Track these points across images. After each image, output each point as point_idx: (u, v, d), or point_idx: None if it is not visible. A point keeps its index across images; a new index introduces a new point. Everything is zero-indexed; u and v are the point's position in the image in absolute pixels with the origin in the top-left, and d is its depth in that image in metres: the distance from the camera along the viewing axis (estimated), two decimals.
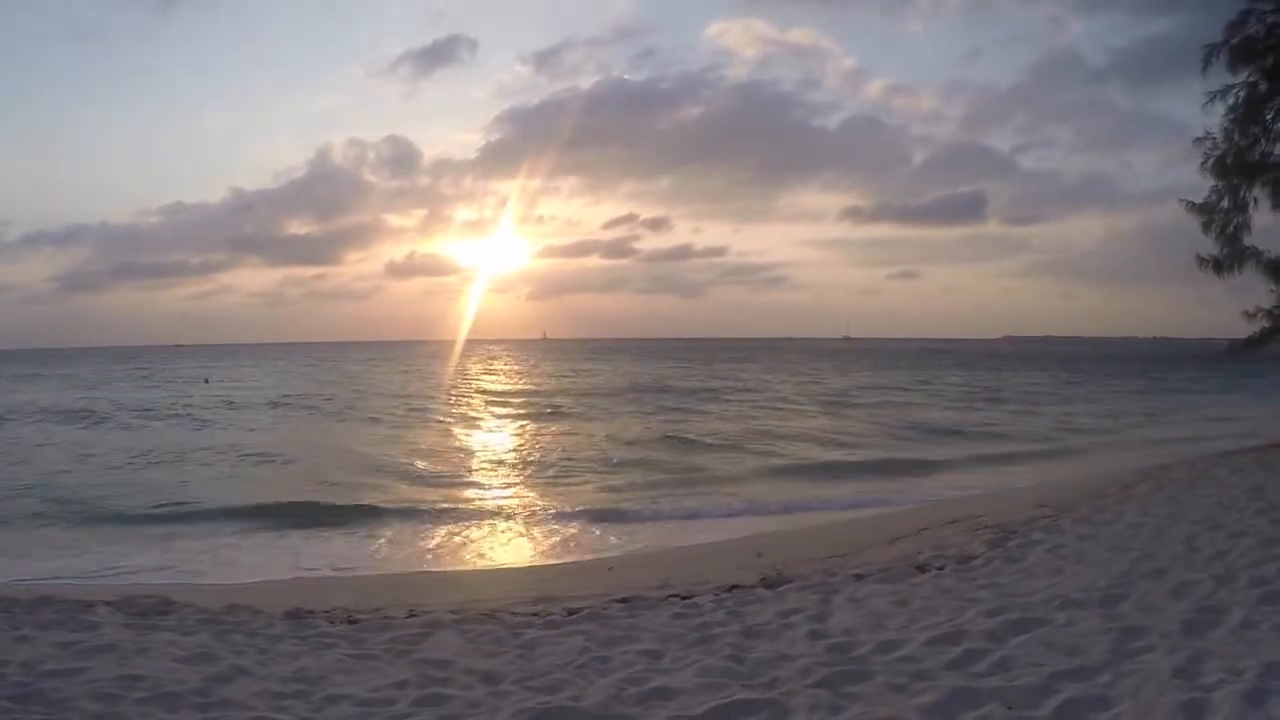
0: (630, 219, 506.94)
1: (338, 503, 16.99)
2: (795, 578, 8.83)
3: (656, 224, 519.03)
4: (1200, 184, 18.70)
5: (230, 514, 16.14)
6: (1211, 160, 18.11)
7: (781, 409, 37.60)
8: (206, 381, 66.27)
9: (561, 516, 15.93)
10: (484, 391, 52.37)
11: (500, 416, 36.62)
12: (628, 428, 29.97)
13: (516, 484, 19.89)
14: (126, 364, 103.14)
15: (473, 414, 37.62)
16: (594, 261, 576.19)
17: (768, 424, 30.86)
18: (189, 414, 37.55)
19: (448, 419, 35.59)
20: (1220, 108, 17.89)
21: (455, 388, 56.14)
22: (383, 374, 75.63)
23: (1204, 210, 18.58)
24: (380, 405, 41.79)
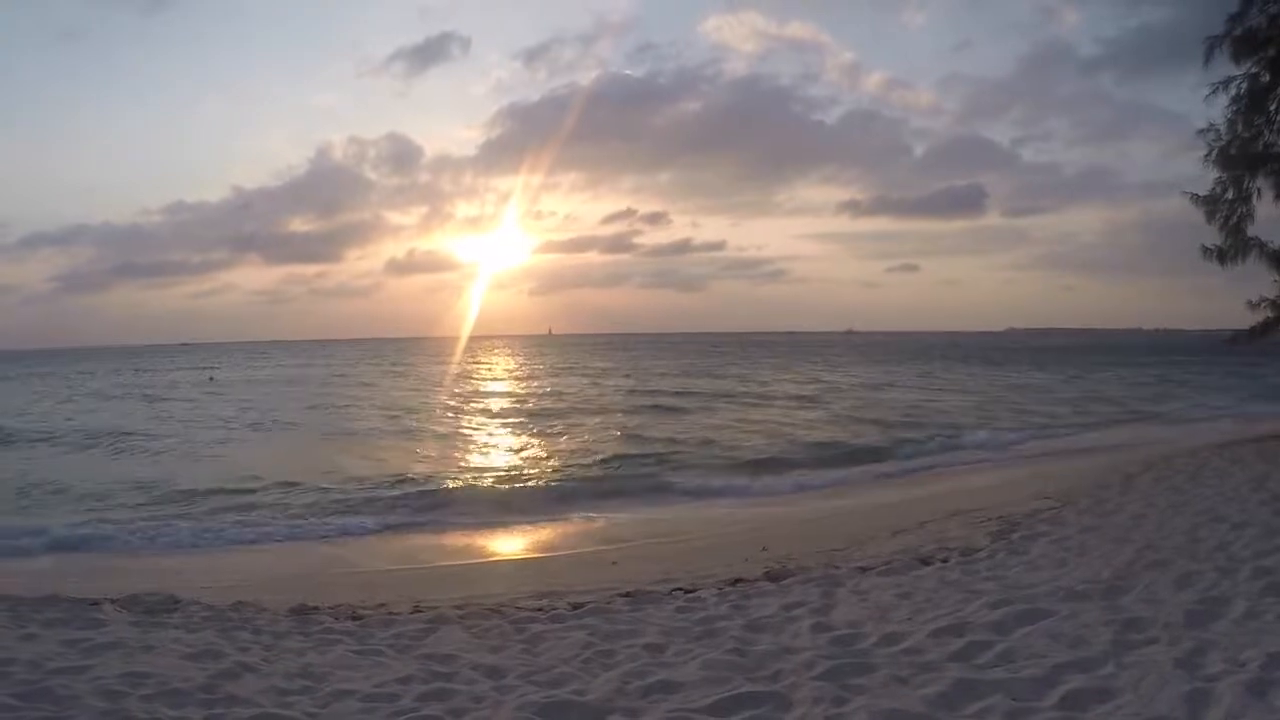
0: (629, 214, 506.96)
1: None
2: (799, 571, 8.84)
3: (655, 219, 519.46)
4: (1203, 175, 18.75)
5: None
6: (1215, 151, 18.13)
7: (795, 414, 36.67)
8: (211, 379, 66.43)
9: (561, 514, 15.96)
10: (479, 394, 49.51)
11: (491, 422, 34.08)
12: (626, 430, 29.39)
13: (508, 484, 19.80)
14: (112, 364, 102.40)
15: (460, 423, 34.13)
16: (594, 257, 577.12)
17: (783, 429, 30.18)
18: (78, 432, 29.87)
19: (427, 426, 32.03)
20: (1223, 99, 17.92)
21: (449, 388, 54.18)
22: (372, 373, 73.87)
23: (1208, 202, 18.60)
24: (352, 412, 37.76)
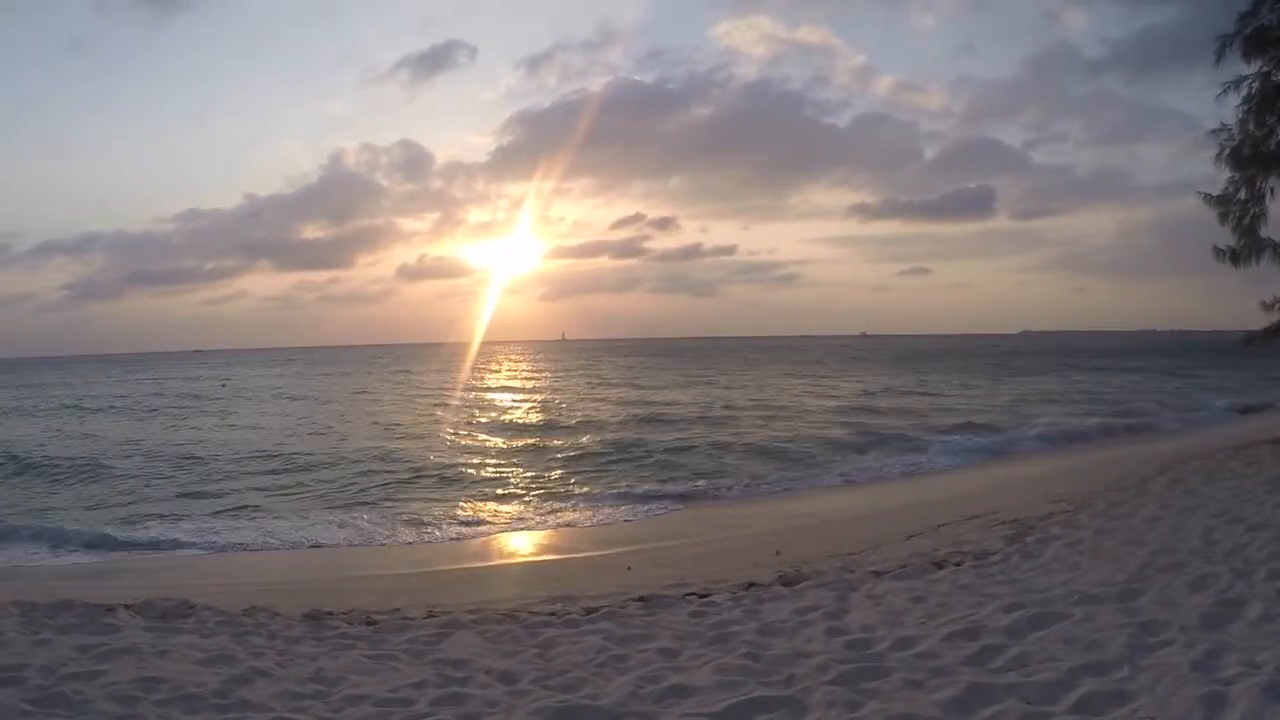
0: (638, 219, 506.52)
1: None
2: (813, 575, 8.83)
3: (664, 223, 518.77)
4: (1216, 175, 18.64)
5: None
6: (1227, 151, 18.02)
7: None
8: (224, 385, 66.87)
9: (572, 518, 16.01)
10: (487, 404, 46.54)
11: (499, 428, 33.13)
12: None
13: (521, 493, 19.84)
14: (117, 372, 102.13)
15: (466, 429, 33.28)
16: (605, 262, 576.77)
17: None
18: None
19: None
20: (1234, 98, 17.82)
21: (459, 394, 52.78)
22: (376, 382, 71.68)
23: (1221, 202, 18.48)
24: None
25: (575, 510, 16.73)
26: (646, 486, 18.98)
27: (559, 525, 15.58)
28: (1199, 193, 18.98)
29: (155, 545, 14.28)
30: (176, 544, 14.26)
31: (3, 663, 5.86)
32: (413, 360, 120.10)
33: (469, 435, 30.84)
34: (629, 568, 10.88)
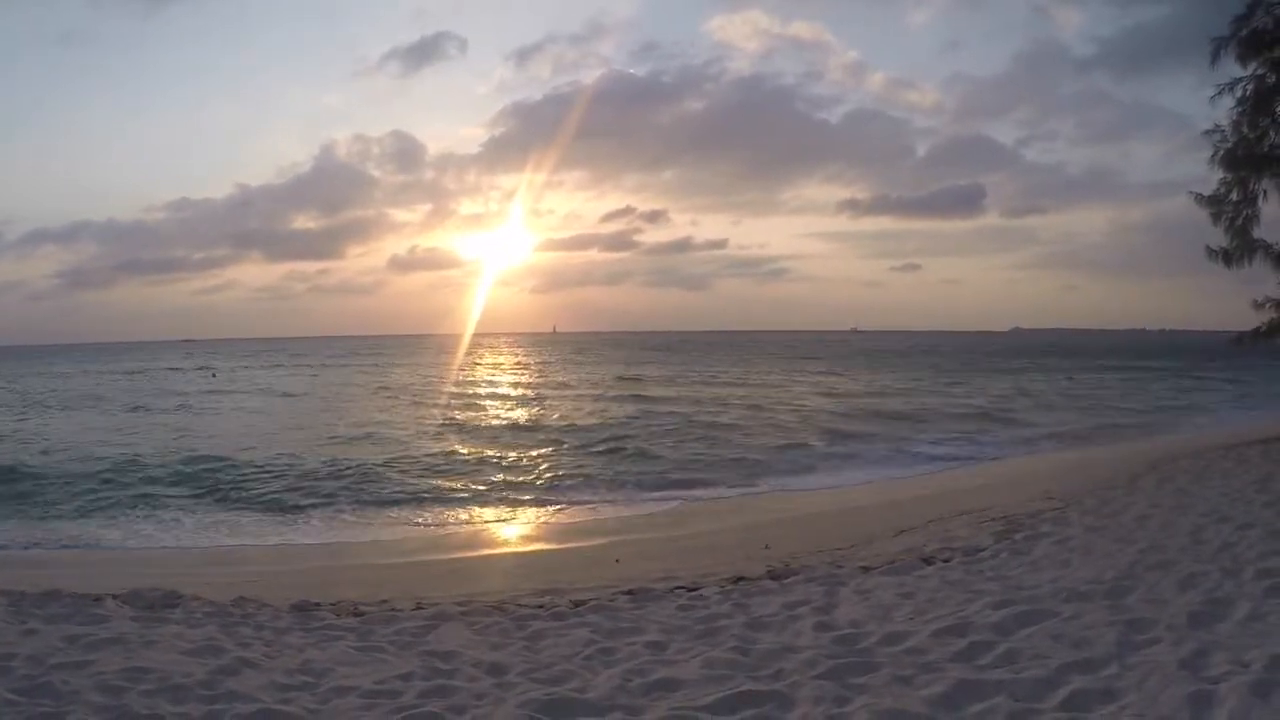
0: (629, 212, 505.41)
1: None
2: (801, 569, 8.83)
3: (654, 217, 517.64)
4: (1208, 175, 18.72)
5: None
6: (1221, 153, 18.09)
7: None
8: (214, 375, 66.73)
9: (562, 512, 16.02)
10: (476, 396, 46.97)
11: (487, 421, 33.92)
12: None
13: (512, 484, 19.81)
14: (100, 362, 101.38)
15: (452, 418, 34.60)
16: (596, 255, 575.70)
17: None
18: None
19: None
20: (1229, 100, 17.89)
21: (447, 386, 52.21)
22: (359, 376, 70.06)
23: (1213, 203, 18.57)
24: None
25: (563, 503, 16.71)
26: (635, 480, 18.96)
27: (547, 518, 15.58)
28: (1191, 193, 19.11)
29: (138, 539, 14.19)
30: (156, 539, 14.19)
31: None
32: (403, 352, 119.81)
33: (458, 429, 30.72)
34: (617, 560, 10.87)
